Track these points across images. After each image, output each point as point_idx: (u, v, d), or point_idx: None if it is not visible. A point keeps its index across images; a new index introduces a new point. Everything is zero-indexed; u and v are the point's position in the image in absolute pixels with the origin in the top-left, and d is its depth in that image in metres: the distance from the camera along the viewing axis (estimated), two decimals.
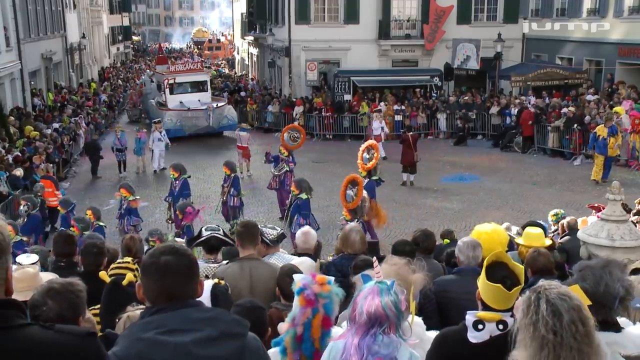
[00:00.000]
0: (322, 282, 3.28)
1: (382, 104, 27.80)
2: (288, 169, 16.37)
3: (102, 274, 5.30)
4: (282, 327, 3.85)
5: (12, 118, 23.60)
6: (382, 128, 23.35)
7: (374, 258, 3.48)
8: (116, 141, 22.19)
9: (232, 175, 15.46)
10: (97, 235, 9.84)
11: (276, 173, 16.47)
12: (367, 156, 13.97)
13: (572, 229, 8.23)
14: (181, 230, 13.18)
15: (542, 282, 2.52)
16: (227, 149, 25.57)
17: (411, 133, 20.00)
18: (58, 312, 3.15)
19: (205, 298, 3.61)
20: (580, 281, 3.07)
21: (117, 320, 3.90)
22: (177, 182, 14.95)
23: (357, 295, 2.89)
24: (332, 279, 3.41)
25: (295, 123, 28.07)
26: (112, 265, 5.32)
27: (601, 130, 18.64)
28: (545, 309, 2.39)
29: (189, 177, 15.47)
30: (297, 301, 3.27)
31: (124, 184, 15.03)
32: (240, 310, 3.67)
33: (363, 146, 14.29)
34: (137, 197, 14.47)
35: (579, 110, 22.49)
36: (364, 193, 12.20)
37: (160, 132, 22.25)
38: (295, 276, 3.49)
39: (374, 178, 14.09)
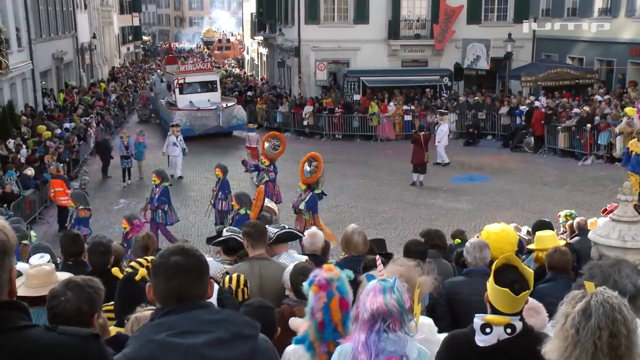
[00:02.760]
0: (330, 268, 3.30)
1: (391, 103, 27.79)
2: (268, 179, 15.54)
3: (115, 270, 5.34)
4: (294, 322, 3.86)
5: (24, 118, 23.76)
6: (445, 131, 21.83)
7: (377, 257, 3.49)
8: (122, 148, 21.16)
9: (223, 178, 14.92)
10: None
11: (256, 183, 15.79)
12: (309, 168, 12.75)
13: (582, 229, 8.17)
14: (124, 243, 12.24)
15: (602, 288, 2.48)
16: (237, 148, 25.61)
17: (422, 133, 19.93)
18: (76, 304, 3.18)
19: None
20: (589, 279, 3.05)
21: (125, 321, 3.92)
22: (157, 188, 14.53)
23: (360, 293, 2.90)
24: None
25: (304, 122, 28.28)
26: (131, 264, 5.37)
27: (634, 146, 16.50)
28: (580, 306, 2.37)
29: (170, 184, 15.11)
30: (310, 291, 3.29)
31: (73, 192, 14.58)
32: (249, 310, 3.67)
33: (305, 157, 13.04)
34: (87, 207, 13.96)
35: (590, 110, 22.36)
36: (273, 206, 11.28)
37: (177, 137, 21.31)
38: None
39: (316, 192, 12.72)
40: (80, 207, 13.79)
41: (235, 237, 6.19)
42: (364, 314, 2.79)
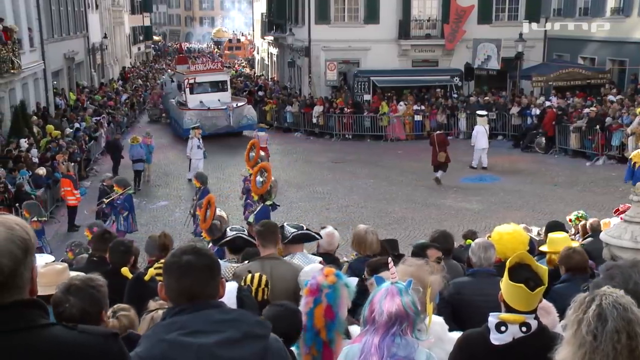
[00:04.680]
0: (328, 274, 3.30)
1: (401, 103, 27.75)
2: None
3: (124, 270, 5.36)
4: None
5: (35, 117, 23.90)
6: (474, 134, 21.27)
7: (389, 258, 3.49)
8: (138, 151, 20.71)
9: (202, 187, 14.45)
10: None
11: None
12: (261, 179, 12.29)
13: (595, 230, 8.11)
14: None
15: (606, 288, 2.46)
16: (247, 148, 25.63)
17: (436, 133, 19.91)
18: (81, 307, 3.19)
19: (231, 303, 3.62)
20: (609, 280, 3.03)
21: (141, 318, 3.93)
22: (121, 196, 14.19)
23: (373, 296, 2.89)
24: (348, 275, 3.41)
25: (314, 120, 28.25)
26: (156, 265, 5.42)
27: (637, 157, 15.45)
28: (593, 311, 2.34)
29: (134, 193, 14.78)
30: (303, 293, 3.31)
31: (26, 203, 14.16)
32: (282, 311, 3.58)
33: (256, 168, 12.66)
34: (40, 219, 13.58)
35: (602, 110, 22.22)
36: (223, 214, 10.78)
37: (199, 139, 20.95)
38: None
39: (268, 203, 12.25)
40: (33, 218, 13.26)
41: (240, 235, 6.19)
42: (382, 317, 2.79)
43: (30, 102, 25.21)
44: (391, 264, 3.19)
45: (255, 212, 12.09)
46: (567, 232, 7.72)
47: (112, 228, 13.24)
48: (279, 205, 13.27)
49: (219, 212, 10.75)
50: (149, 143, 21.71)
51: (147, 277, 4.96)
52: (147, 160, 21.50)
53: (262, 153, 15.17)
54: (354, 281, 3.42)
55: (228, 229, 6.45)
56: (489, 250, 5.08)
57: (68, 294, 3.25)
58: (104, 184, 15.73)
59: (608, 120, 21.41)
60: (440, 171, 19.40)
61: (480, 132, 21.05)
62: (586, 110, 22.75)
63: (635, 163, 15.73)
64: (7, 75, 21.27)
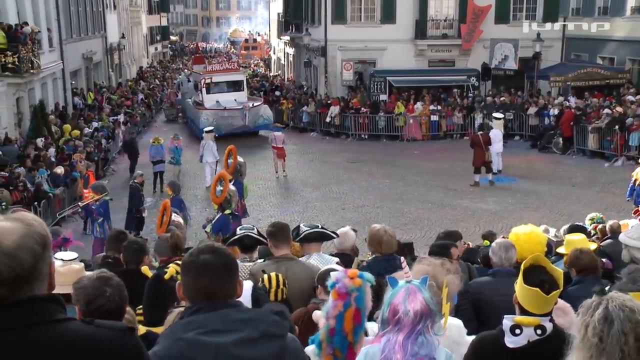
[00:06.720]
0: (353, 276, 3.29)
1: (418, 103, 27.66)
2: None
3: (145, 269, 5.39)
4: (316, 314, 3.87)
5: (52, 117, 24.13)
6: (497, 137, 20.17)
7: (402, 258, 3.48)
8: (161, 151, 20.55)
9: (174, 195, 13.94)
10: None
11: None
12: (220, 188, 12.03)
13: (614, 232, 8.02)
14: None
15: (614, 292, 2.44)
16: (263, 148, 25.71)
17: (481, 133, 19.76)
18: (119, 298, 3.23)
19: (246, 302, 3.63)
20: (631, 284, 3.01)
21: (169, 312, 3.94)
22: (97, 202, 13.90)
23: (392, 298, 2.87)
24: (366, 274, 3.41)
25: (328, 120, 28.21)
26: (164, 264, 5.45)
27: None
28: (599, 314, 2.33)
29: (111, 199, 14.61)
30: (330, 295, 3.30)
31: None
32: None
33: (216, 176, 12.52)
34: None
35: (622, 110, 21.99)
36: (180, 220, 10.91)
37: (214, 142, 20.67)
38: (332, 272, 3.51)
39: (227, 212, 11.88)
40: None
41: (249, 233, 6.19)
42: (407, 317, 2.79)
43: (49, 101, 25.46)
44: (404, 263, 3.18)
45: (213, 222, 11.80)
46: (588, 234, 7.63)
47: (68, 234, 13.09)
48: (238, 215, 13.02)
49: (176, 218, 10.67)
50: (177, 145, 21.38)
51: (167, 276, 4.98)
52: (176, 162, 21.21)
53: (240, 159, 14.81)
54: (371, 277, 3.43)
55: (237, 228, 6.44)
56: (510, 251, 5.07)
57: (105, 285, 3.25)
58: (136, 181, 15.79)
59: (629, 120, 21.18)
60: (488, 172, 19.17)
61: (498, 136, 20.48)
62: (606, 110, 22.50)
63: (636, 180, 14.52)
64: (27, 75, 21.49)
